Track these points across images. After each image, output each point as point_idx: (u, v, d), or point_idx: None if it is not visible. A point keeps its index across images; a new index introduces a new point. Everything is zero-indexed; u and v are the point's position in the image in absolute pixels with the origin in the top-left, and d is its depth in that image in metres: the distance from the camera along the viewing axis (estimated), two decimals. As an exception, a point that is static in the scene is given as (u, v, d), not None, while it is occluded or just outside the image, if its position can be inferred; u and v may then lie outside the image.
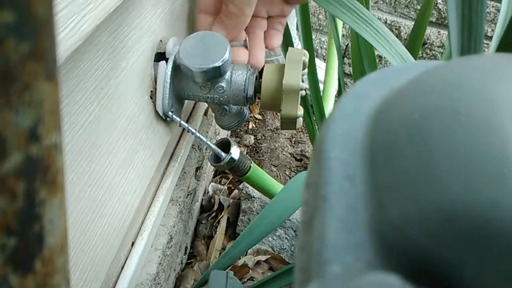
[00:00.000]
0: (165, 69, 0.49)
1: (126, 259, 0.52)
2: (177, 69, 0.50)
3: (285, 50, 0.72)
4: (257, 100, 0.51)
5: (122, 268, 0.51)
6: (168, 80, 0.49)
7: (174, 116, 0.51)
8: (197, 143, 0.75)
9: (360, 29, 0.35)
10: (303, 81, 0.47)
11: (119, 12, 0.38)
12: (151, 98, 0.50)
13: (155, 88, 0.50)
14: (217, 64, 0.47)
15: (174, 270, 0.70)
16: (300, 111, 0.49)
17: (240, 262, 0.78)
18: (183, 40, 0.49)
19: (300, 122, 0.51)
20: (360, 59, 0.41)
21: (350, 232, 0.15)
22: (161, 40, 0.50)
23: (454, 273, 0.13)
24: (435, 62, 0.20)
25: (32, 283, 0.12)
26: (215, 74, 0.48)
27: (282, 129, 0.53)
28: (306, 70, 0.49)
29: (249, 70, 0.50)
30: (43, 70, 0.11)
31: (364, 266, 0.14)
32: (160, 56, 0.50)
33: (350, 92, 0.19)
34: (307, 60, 0.49)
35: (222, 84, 0.50)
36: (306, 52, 0.48)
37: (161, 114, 0.50)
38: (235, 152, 0.61)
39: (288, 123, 0.50)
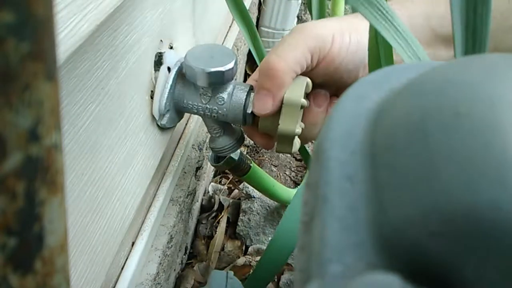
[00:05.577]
0: (169, 72, 0.49)
1: (126, 259, 0.52)
2: (180, 77, 0.50)
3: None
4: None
5: (122, 268, 0.51)
6: (170, 82, 0.49)
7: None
8: (197, 143, 0.75)
9: (380, 26, 0.32)
10: (305, 98, 0.46)
11: (119, 12, 0.38)
12: (151, 98, 0.50)
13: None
14: (221, 69, 0.47)
15: (174, 270, 0.70)
16: (299, 129, 0.47)
17: (240, 262, 0.78)
18: (192, 47, 0.50)
19: (296, 146, 0.49)
20: (378, 59, 0.39)
21: (350, 232, 0.15)
22: (161, 40, 0.51)
23: (454, 274, 0.13)
24: (435, 62, 0.20)
25: (32, 283, 0.12)
26: (217, 79, 0.48)
27: (277, 151, 0.49)
28: (309, 90, 0.48)
29: (252, 89, 0.50)
30: (43, 70, 0.11)
31: (364, 266, 0.14)
32: (161, 56, 0.50)
33: (350, 92, 0.19)
34: (310, 84, 0.47)
35: (223, 95, 0.49)
36: (309, 79, 0.47)
37: (155, 115, 0.50)
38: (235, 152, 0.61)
39: (285, 140, 0.48)
